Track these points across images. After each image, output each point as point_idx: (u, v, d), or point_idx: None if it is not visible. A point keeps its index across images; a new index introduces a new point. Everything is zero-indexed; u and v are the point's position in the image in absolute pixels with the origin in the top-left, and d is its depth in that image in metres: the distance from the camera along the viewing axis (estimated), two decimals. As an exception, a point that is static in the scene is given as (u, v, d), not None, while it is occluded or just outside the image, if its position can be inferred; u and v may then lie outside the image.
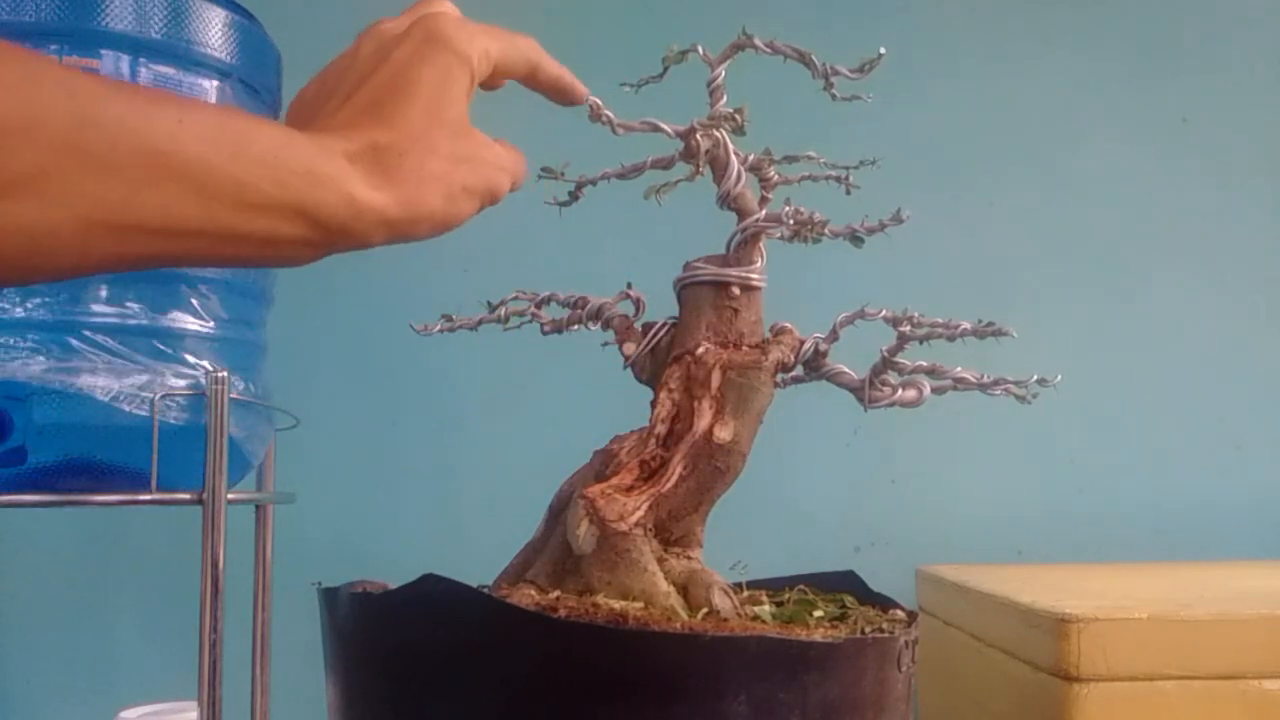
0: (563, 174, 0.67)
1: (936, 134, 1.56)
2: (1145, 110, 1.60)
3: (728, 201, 0.63)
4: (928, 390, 0.63)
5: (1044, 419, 1.55)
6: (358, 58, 0.50)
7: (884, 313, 0.64)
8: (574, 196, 0.68)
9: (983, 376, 0.62)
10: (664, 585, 0.59)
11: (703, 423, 0.62)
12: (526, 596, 0.57)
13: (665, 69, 0.63)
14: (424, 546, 1.42)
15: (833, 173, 0.69)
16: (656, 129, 0.61)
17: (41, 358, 0.85)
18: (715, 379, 0.62)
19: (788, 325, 0.67)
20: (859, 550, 1.49)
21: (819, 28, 1.55)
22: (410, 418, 1.47)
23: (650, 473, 0.62)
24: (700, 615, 0.57)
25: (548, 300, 0.70)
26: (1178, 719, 0.96)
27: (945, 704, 1.30)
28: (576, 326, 0.69)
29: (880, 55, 0.57)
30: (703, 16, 1.47)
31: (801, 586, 0.69)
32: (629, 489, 0.60)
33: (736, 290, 0.67)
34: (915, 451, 1.53)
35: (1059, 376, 0.64)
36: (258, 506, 1.12)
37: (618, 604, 0.56)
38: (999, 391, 0.63)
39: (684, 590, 0.59)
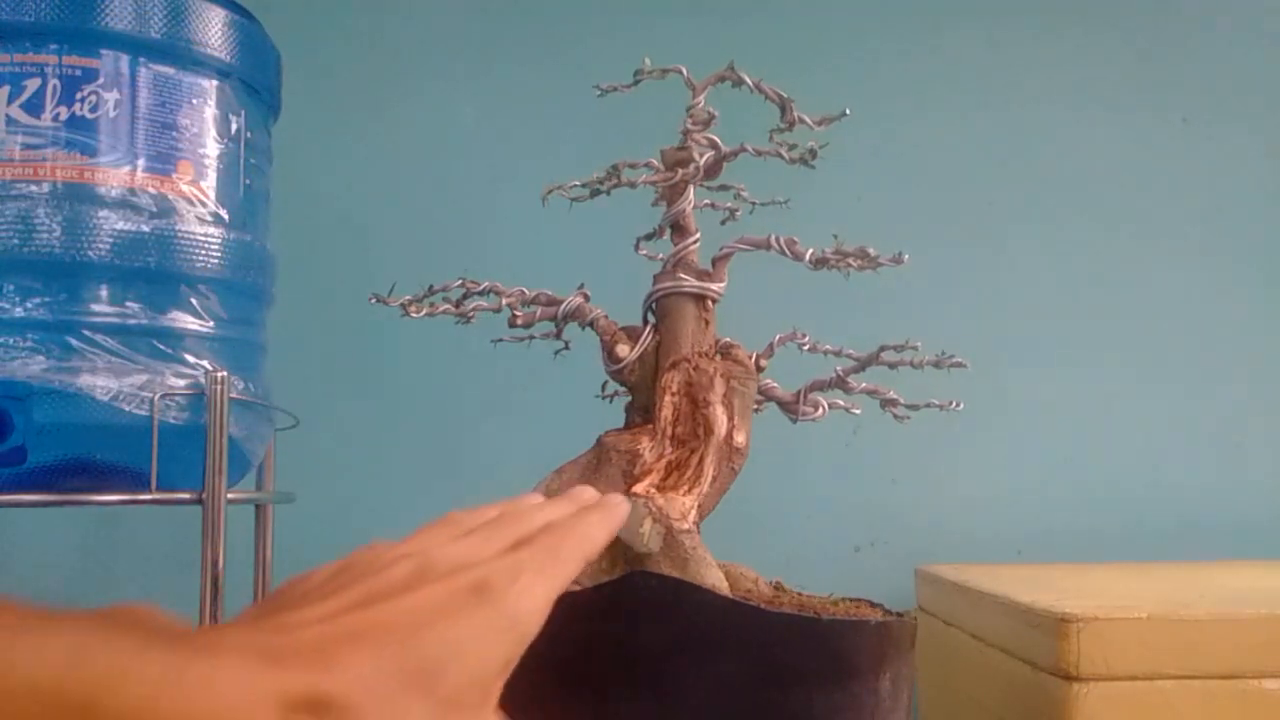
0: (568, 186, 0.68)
1: (936, 134, 1.56)
2: (1145, 110, 1.60)
3: (678, 218, 0.65)
4: (825, 409, 0.68)
5: (1044, 419, 1.55)
6: (360, 568, 0.38)
7: (807, 342, 0.68)
8: (599, 190, 0.70)
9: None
10: (723, 577, 0.63)
11: (723, 427, 0.66)
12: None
13: (636, 81, 0.64)
14: (424, 546, 1.42)
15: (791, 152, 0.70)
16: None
17: (41, 358, 0.85)
18: (720, 386, 0.65)
19: (734, 341, 0.70)
20: (859, 550, 1.49)
21: (820, 28, 1.55)
22: (410, 418, 1.47)
23: (669, 472, 0.64)
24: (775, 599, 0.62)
25: (488, 291, 0.71)
26: (1177, 719, 0.96)
27: (945, 704, 1.30)
28: (547, 326, 0.70)
29: (844, 113, 0.60)
30: (702, 18, 1.48)
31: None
32: (674, 489, 0.63)
33: (710, 303, 0.71)
34: (915, 451, 1.53)
35: (959, 404, 0.69)
36: (258, 506, 1.12)
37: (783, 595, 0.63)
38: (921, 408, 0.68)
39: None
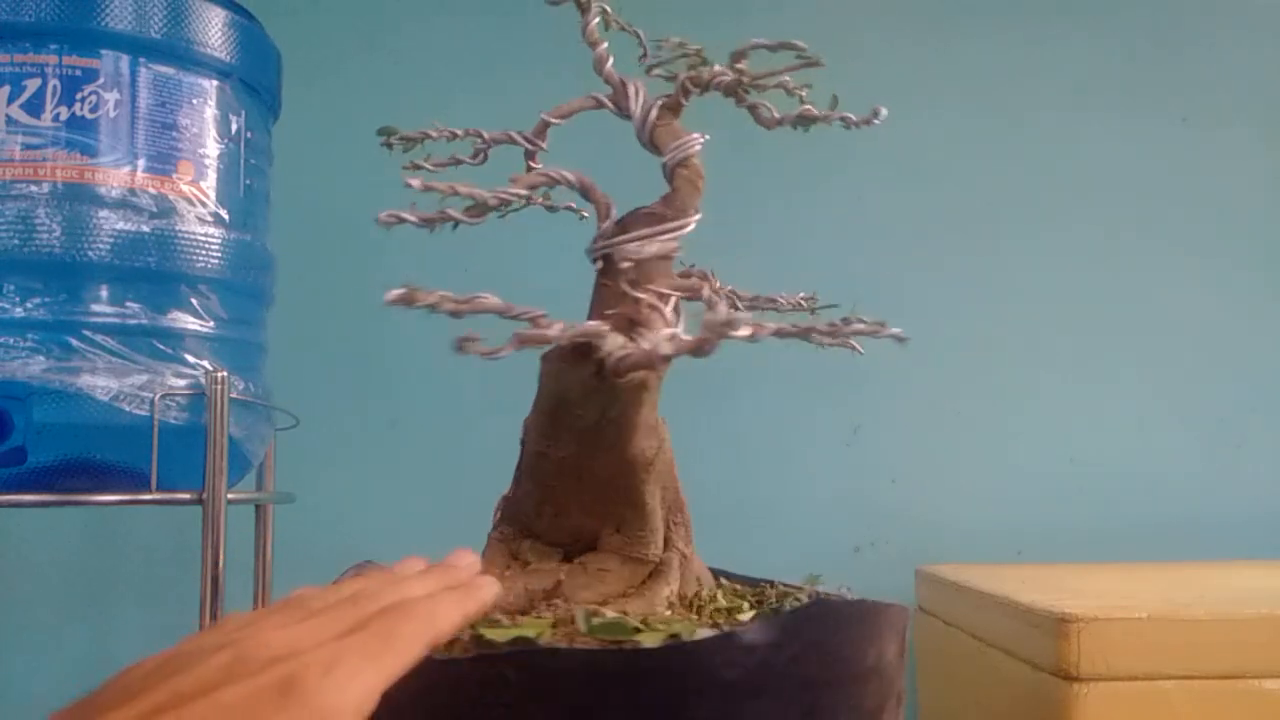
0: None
1: (936, 134, 1.56)
2: (1145, 110, 1.60)
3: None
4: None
5: (1044, 419, 1.55)
6: (181, 661, 0.36)
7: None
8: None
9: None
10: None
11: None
12: None
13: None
14: (424, 546, 1.41)
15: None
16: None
17: (41, 358, 0.85)
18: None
19: None
20: (859, 550, 1.49)
21: (821, 28, 1.55)
22: (410, 418, 1.47)
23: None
24: None
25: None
26: (1178, 719, 0.96)
27: (945, 704, 1.30)
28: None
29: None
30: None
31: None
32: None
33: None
34: (915, 451, 1.53)
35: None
36: (258, 506, 1.12)
37: None
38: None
39: None
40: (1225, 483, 1.55)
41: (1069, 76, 1.60)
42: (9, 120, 0.88)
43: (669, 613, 0.54)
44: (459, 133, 0.63)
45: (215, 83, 0.96)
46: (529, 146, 0.62)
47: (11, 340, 0.85)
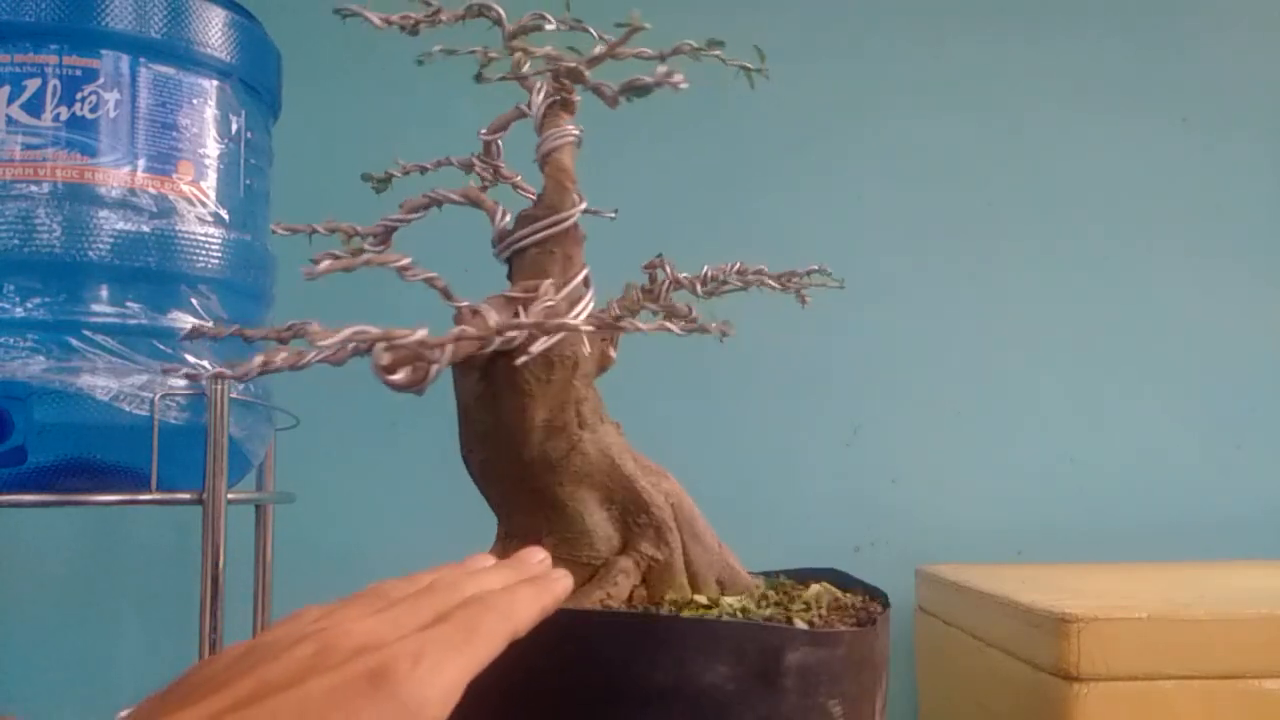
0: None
1: (936, 134, 1.56)
2: (1145, 110, 1.60)
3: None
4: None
5: (1044, 419, 1.55)
6: (256, 657, 0.36)
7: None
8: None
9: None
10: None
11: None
12: None
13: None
14: (424, 547, 1.42)
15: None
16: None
17: (41, 358, 0.85)
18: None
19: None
20: (859, 550, 1.49)
21: (821, 28, 1.55)
22: (410, 418, 1.47)
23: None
24: None
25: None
26: (1177, 719, 0.96)
27: (945, 704, 1.30)
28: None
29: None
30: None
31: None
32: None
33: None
34: (915, 451, 1.53)
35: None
36: (258, 506, 1.12)
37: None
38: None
39: None
40: (1225, 483, 1.55)
41: (1069, 76, 1.60)
42: (9, 120, 0.88)
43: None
44: (428, 165, 0.63)
45: (215, 83, 0.96)
46: (480, 165, 0.63)
47: (11, 340, 0.85)
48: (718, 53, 0.54)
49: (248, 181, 1.00)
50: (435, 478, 1.50)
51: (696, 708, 0.47)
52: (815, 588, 0.62)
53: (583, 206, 0.55)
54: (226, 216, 0.96)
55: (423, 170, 0.63)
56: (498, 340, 0.49)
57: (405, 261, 0.49)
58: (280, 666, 0.35)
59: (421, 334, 0.44)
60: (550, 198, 0.56)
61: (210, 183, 0.95)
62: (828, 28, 1.56)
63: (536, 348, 0.51)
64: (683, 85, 0.53)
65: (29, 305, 0.86)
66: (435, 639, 0.36)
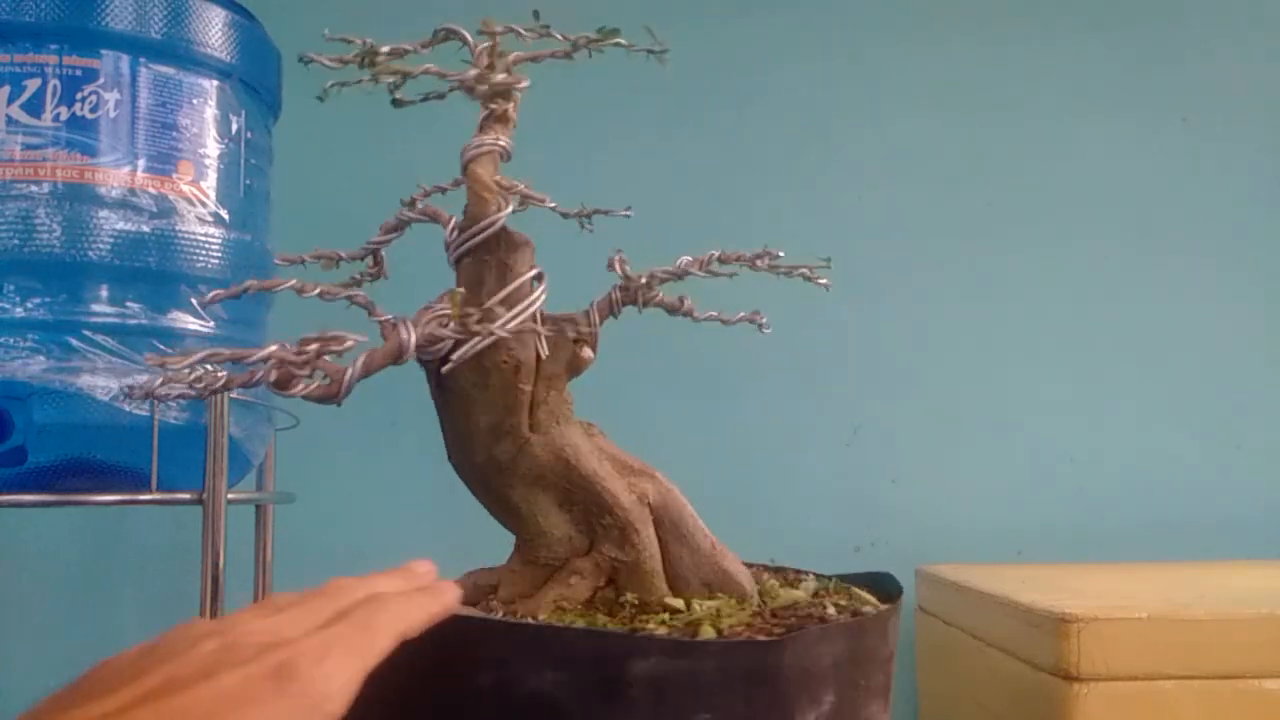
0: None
1: (936, 134, 1.56)
2: (1145, 110, 1.60)
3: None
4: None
5: (1044, 419, 1.55)
6: (158, 657, 0.37)
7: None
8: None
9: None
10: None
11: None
12: None
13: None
14: (424, 546, 1.41)
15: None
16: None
17: (41, 358, 0.85)
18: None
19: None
20: (859, 550, 1.49)
21: (821, 28, 1.55)
22: (410, 418, 1.47)
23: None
24: None
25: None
26: (1178, 719, 0.96)
27: (945, 704, 1.30)
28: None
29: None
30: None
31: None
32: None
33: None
34: (915, 451, 1.53)
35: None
36: (258, 506, 1.12)
37: None
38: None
39: None
40: (1225, 483, 1.55)
41: (1069, 76, 1.60)
42: (9, 120, 0.88)
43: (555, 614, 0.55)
44: (446, 186, 0.65)
45: (215, 83, 0.96)
46: (435, 194, 0.65)
47: (11, 340, 0.85)
48: (618, 40, 0.55)
49: (248, 181, 1.00)
50: (435, 478, 1.49)
51: (521, 715, 0.45)
52: (797, 592, 0.60)
53: (506, 213, 0.56)
54: (226, 216, 0.96)
55: (443, 191, 0.64)
56: (413, 351, 0.51)
57: (295, 285, 0.53)
58: (187, 662, 0.35)
59: (270, 349, 0.46)
60: (471, 209, 0.57)
61: (210, 183, 0.95)
62: (828, 28, 1.56)
63: (457, 356, 0.53)
64: (479, 85, 0.55)
65: (29, 305, 0.86)
66: (336, 636, 0.38)
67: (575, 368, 0.59)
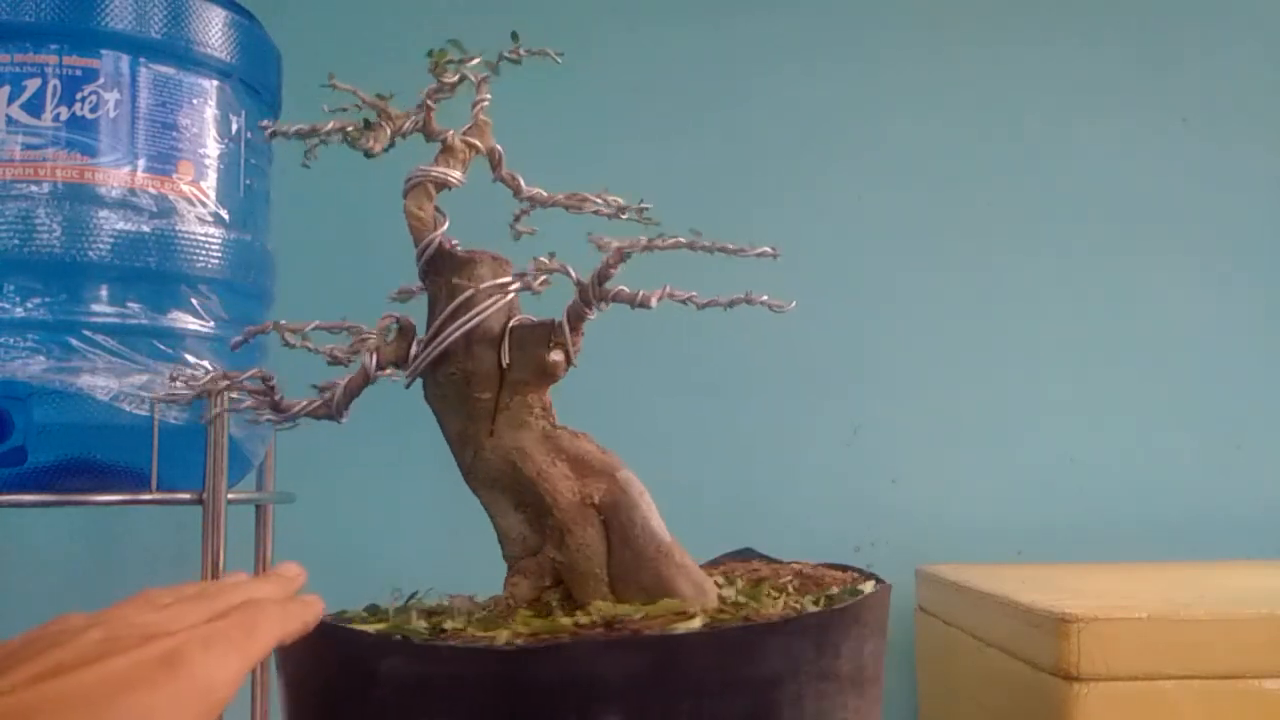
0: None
1: (936, 135, 1.56)
2: (1145, 110, 1.60)
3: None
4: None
5: (1044, 419, 1.55)
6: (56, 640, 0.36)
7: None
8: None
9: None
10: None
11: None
12: None
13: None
14: (424, 547, 1.42)
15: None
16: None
17: (41, 358, 0.85)
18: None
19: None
20: (859, 550, 1.49)
21: (820, 28, 1.55)
22: (411, 418, 1.47)
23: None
24: None
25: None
26: (1178, 719, 0.96)
27: (945, 703, 1.30)
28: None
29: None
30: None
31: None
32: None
33: None
34: (915, 451, 1.53)
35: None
36: (258, 506, 1.12)
37: None
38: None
39: None
40: (1225, 483, 1.55)
41: (1069, 77, 1.60)
42: (9, 120, 0.88)
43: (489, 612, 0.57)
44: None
45: (215, 83, 0.96)
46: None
47: (11, 340, 0.85)
48: (515, 52, 0.59)
49: (248, 181, 1.00)
50: (435, 478, 1.50)
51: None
52: (754, 603, 0.57)
53: (438, 234, 0.61)
54: (226, 216, 0.96)
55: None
56: (375, 374, 0.61)
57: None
58: (72, 650, 0.35)
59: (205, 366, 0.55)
60: (414, 235, 0.62)
61: (210, 183, 0.95)
62: (828, 28, 1.56)
63: (406, 377, 0.61)
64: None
65: (29, 305, 0.86)
66: (220, 632, 0.38)
67: (547, 373, 0.59)
